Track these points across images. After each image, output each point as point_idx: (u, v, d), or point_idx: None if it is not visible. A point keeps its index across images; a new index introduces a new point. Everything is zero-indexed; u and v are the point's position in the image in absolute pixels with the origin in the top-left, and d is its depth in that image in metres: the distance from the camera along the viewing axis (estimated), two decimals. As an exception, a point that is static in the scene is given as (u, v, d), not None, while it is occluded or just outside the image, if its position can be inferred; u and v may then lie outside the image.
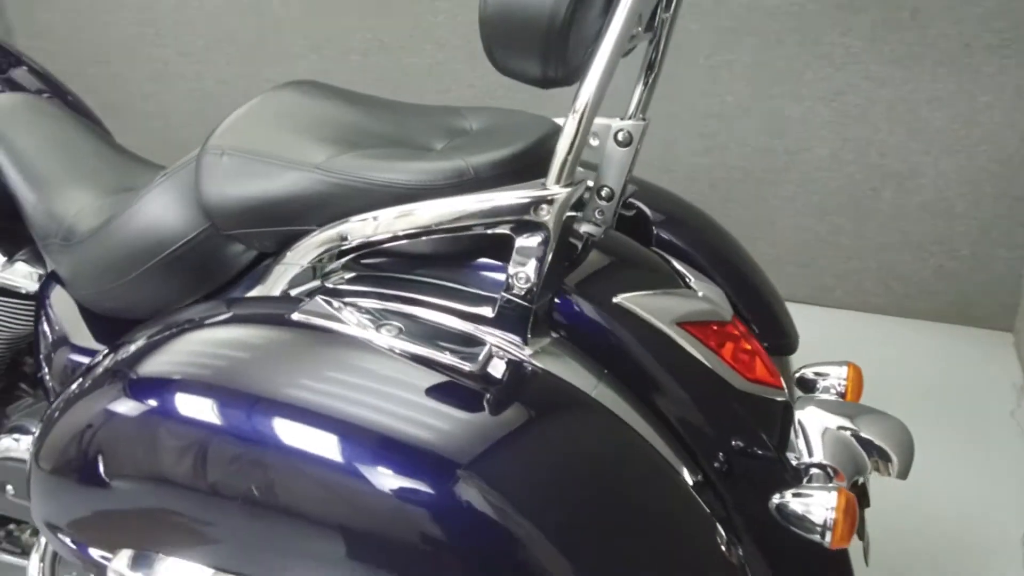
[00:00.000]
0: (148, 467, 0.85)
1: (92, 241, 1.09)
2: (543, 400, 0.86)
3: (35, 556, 0.99)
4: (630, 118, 0.99)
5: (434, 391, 0.81)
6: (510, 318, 0.89)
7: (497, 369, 0.85)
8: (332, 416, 0.79)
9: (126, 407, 0.86)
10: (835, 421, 0.96)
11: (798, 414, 0.98)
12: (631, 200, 1.16)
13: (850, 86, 2.28)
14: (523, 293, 0.88)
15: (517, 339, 0.89)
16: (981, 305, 2.39)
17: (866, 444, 0.96)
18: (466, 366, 0.83)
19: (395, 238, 0.91)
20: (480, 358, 0.84)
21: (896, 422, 0.98)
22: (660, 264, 1.05)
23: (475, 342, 0.87)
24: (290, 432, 0.79)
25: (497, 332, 0.89)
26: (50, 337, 1.16)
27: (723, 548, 0.87)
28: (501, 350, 0.87)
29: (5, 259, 1.26)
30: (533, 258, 0.87)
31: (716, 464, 0.92)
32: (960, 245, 2.35)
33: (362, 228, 0.92)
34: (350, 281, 0.98)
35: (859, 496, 1.01)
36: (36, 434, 0.93)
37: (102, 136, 1.33)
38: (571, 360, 0.92)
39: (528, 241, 0.88)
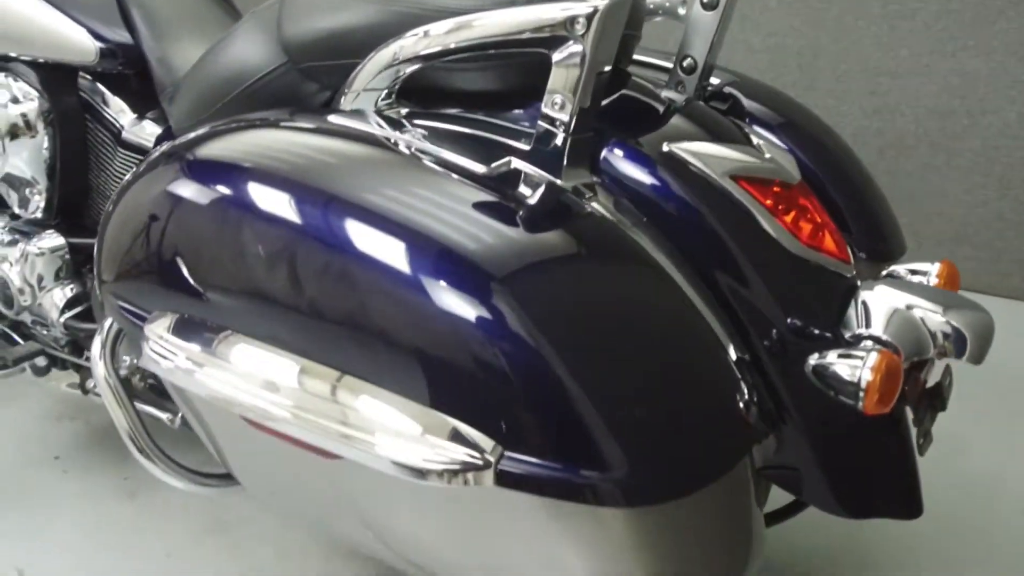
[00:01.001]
0: (197, 237, 0.89)
1: (187, 78, 1.16)
2: (574, 223, 0.82)
3: (97, 339, 1.07)
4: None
5: (467, 200, 0.80)
6: (545, 150, 0.85)
7: (531, 189, 0.82)
8: (368, 209, 0.80)
9: (184, 183, 0.92)
10: (905, 300, 0.85)
11: (864, 294, 0.87)
12: (729, 90, 1.09)
13: (1050, 41, 2.03)
14: (557, 120, 0.84)
15: (551, 176, 0.85)
16: None
17: (939, 328, 0.84)
18: (505, 187, 0.81)
19: (444, 52, 0.90)
20: (517, 180, 0.82)
21: (979, 309, 0.85)
22: (730, 127, 0.97)
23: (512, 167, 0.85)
24: (327, 222, 0.81)
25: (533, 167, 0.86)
26: None
27: (741, 406, 0.79)
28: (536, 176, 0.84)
29: (135, 116, 1.37)
30: (569, 79, 0.83)
31: (757, 328, 0.84)
32: None
33: (413, 44, 0.91)
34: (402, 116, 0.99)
35: (925, 391, 0.90)
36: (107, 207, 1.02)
37: None
38: (606, 200, 0.87)
39: (565, 59, 0.83)
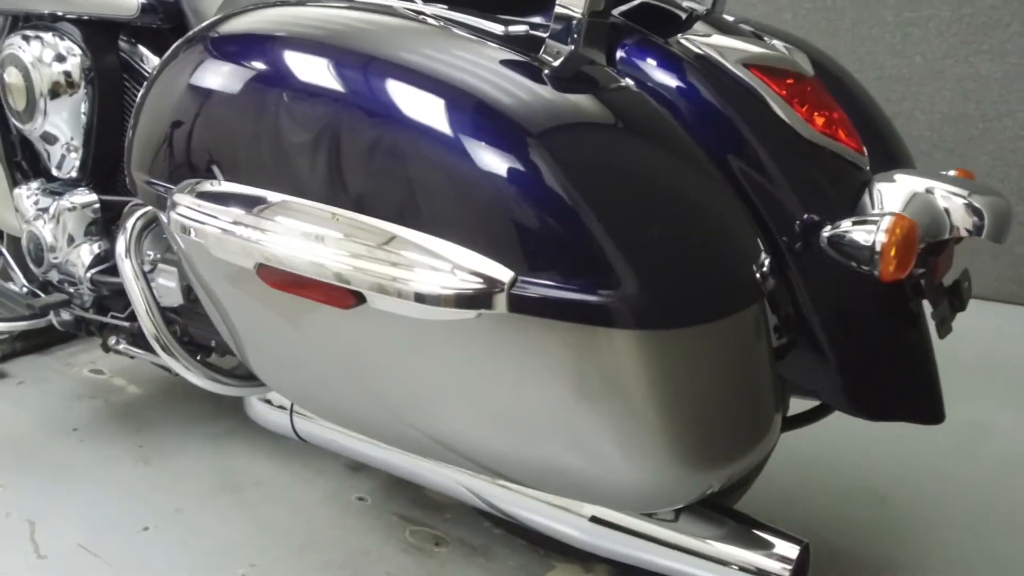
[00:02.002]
0: (230, 105, 0.91)
1: None
2: (592, 79, 0.84)
3: (122, 237, 1.09)
4: None
5: (492, 57, 0.83)
6: (562, 29, 0.87)
7: (552, 57, 0.84)
8: (396, 63, 0.83)
9: (215, 58, 0.95)
10: (924, 184, 0.85)
11: (880, 184, 0.88)
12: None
13: (1063, 43, 2.06)
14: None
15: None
16: None
17: (959, 210, 0.84)
18: (528, 51, 0.84)
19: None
20: (539, 47, 0.85)
21: (997, 194, 0.85)
22: (746, 30, 0.99)
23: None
24: (358, 77, 0.84)
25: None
26: None
27: (759, 257, 0.80)
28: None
29: None
30: None
31: (775, 218, 0.85)
32: None
33: None
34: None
35: (943, 288, 0.90)
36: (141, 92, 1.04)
37: None
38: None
39: None
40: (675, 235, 0.75)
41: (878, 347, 0.89)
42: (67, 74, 1.36)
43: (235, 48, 0.93)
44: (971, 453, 1.58)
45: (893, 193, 0.85)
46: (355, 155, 0.81)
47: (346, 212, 0.81)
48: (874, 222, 0.77)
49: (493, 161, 0.74)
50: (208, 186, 0.92)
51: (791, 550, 0.91)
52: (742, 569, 0.91)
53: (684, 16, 0.97)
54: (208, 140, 0.92)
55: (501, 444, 0.85)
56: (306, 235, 0.82)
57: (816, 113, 0.89)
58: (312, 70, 0.86)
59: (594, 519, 0.95)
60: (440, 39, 0.85)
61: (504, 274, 0.73)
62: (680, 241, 0.75)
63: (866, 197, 0.86)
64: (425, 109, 0.78)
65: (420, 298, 0.75)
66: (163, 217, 0.96)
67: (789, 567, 0.89)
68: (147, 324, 1.11)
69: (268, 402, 1.21)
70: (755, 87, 0.87)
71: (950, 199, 0.83)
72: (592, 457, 0.81)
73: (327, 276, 0.81)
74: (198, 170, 0.93)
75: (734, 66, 0.88)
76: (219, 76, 0.92)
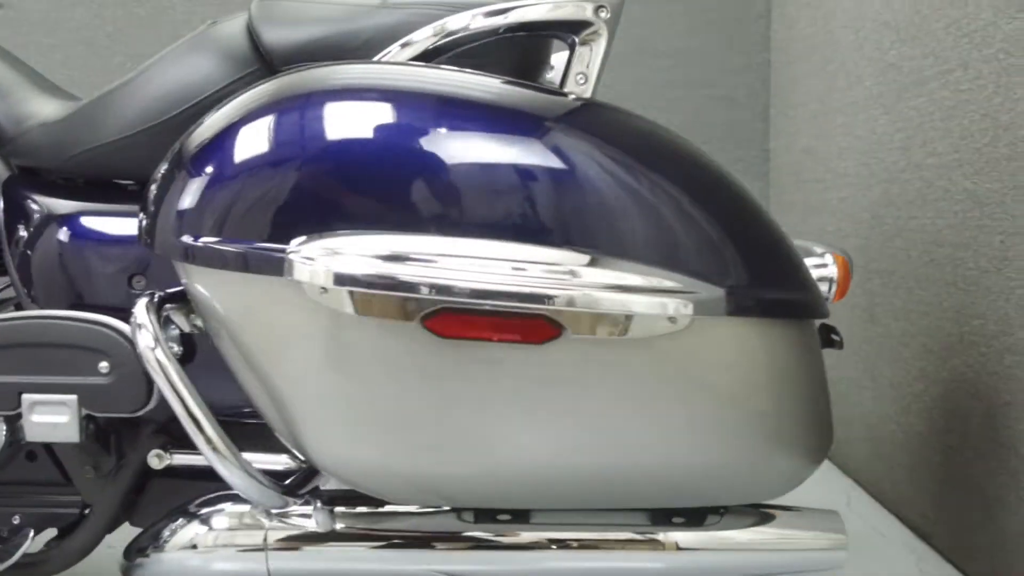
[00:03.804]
0: (356, 155, 0.86)
1: (103, 101, 1.08)
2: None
3: (141, 303, 0.92)
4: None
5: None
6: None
7: None
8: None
9: (325, 109, 0.88)
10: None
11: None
12: None
13: None
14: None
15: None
16: None
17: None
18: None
19: (475, 36, 0.98)
20: None
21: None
22: None
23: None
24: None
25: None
26: (25, 234, 1.09)
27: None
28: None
29: None
30: (594, 58, 0.98)
31: None
32: None
33: (438, 33, 0.98)
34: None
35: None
36: (174, 150, 0.94)
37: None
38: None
39: (588, 41, 0.98)
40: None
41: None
42: None
43: (364, 96, 0.89)
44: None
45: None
46: (532, 190, 0.84)
47: (529, 246, 0.82)
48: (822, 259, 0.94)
49: (675, 186, 0.86)
50: (339, 240, 0.83)
51: (834, 519, 0.99)
52: (802, 550, 0.98)
53: None
54: (337, 190, 0.84)
55: (667, 458, 0.89)
56: (491, 273, 0.81)
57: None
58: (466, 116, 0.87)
59: (678, 547, 0.97)
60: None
61: (710, 288, 0.83)
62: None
63: None
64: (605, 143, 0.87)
65: (637, 320, 0.82)
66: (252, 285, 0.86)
67: (843, 535, 0.98)
68: (200, 424, 0.91)
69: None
70: None
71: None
72: (751, 451, 0.89)
73: (524, 309, 0.81)
74: (324, 223, 0.84)
75: None
76: (344, 126, 0.87)
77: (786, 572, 0.97)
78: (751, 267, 0.85)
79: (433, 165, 0.83)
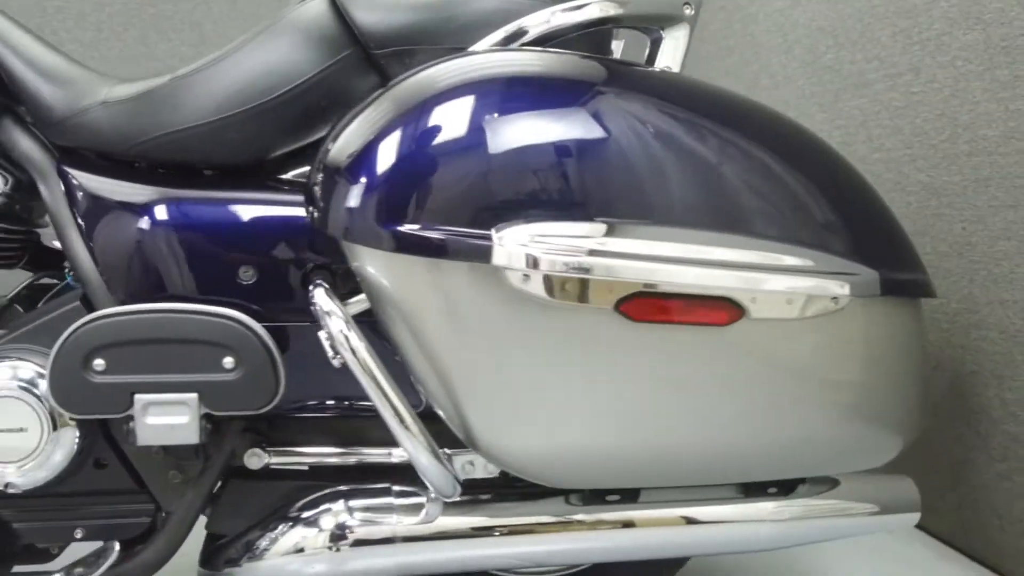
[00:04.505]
0: (559, 143, 0.87)
1: (189, 80, 1.02)
2: None
3: (319, 289, 0.91)
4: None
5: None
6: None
7: None
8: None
9: (522, 98, 0.89)
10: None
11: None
12: None
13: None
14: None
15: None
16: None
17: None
18: None
19: (571, 28, 0.99)
20: None
21: None
22: None
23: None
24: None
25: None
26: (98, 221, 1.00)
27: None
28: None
29: None
30: (677, 50, 1.04)
31: None
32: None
33: (543, 22, 0.99)
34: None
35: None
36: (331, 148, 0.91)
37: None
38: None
39: (673, 35, 1.04)
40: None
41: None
42: None
43: (560, 86, 0.90)
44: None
45: None
46: (721, 180, 0.90)
47: (713, 232, 0.87)
48: None
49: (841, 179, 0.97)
50: (541, 227, 0.84)
51: (907, 484, 1.08)
52: (880, 513, 1.06)
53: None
54: (538, 179, 0.85)
55: (810, 430, 0.95)
56: (683, 259, 0.85)
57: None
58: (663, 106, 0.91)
59: (775, 517, 1.02)
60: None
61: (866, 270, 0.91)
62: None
63: None
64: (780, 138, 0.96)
65: (802, 297, 0.89)
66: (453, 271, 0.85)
67: (916, 498, 1.07)
68: (397, 408, 0.90)
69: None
70: None
71: None
72: (881, 420, 0.97)
73: (712, 292, 0.86)
74: (525, 211, 0.85)
75: None
76: (546, 114, 0.87)
77: (864, 533, 1.05)
78: (893, 250, 0.94)
79: (629, 156, 0.86)
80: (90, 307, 0.97)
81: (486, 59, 0.91)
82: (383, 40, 1.00)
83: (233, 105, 0.98)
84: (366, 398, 0.98)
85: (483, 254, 0.83)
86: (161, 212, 0.97)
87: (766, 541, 1.01)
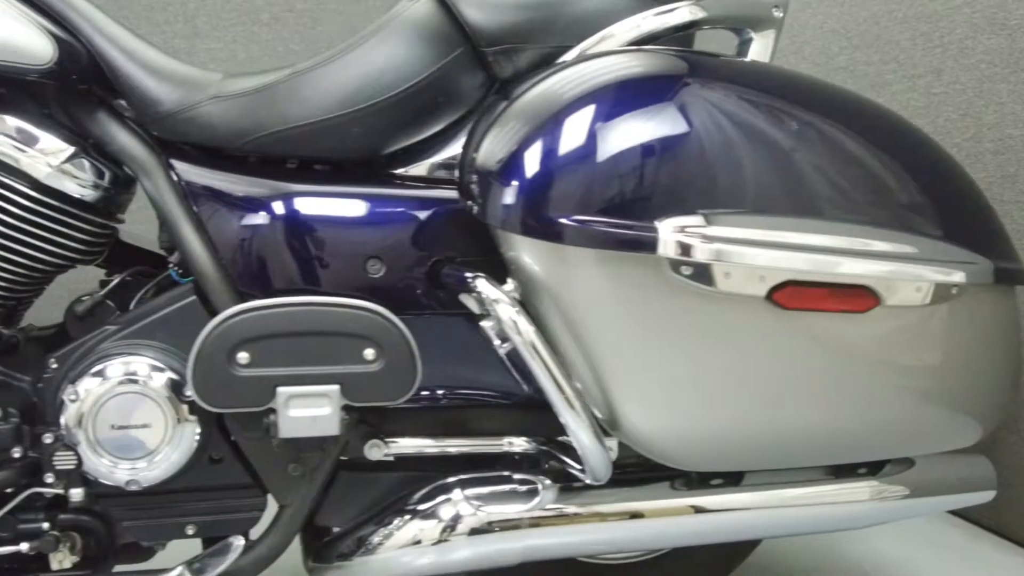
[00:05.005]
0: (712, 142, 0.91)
1: (310, 75, 1.02)
2: None
3: (500, 290, 0.93)
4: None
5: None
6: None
7: None
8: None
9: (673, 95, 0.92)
10: None
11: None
12: None
13: None
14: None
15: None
16: None
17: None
18: None
19: (664, 31, 1.03)
20: None
21: None
22: None
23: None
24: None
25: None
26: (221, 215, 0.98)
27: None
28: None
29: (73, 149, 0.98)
30: (765, 51, 1.08)
31: None
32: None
33: (649, 23, 1.02)
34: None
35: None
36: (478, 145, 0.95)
37: None
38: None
39: (763, 36, 1.08)
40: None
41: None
42: None
43: (721, 87, 0.95)
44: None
45: None
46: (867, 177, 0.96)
47: (855, 225, 0.93)
48: None
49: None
50: (703, 219, 0.88)
51: (982, 463, 1.14)
52: (959, 491, 1.12)
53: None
54: (702, 173, 0.89)
55: (921, 412, 1.00)
56: (830, 249, 0.91)
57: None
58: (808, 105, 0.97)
59: (868, 496, 1.08)
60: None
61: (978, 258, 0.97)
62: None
63: None
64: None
65: (931, 285, 0.95)
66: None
67: (992, 476, 1.13)
68: (566, 393, 0.92)
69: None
70: None
71: None
72: (979, 402, 1.03)
73: (857, 280, 0.92)
74: (689, 203, 0.89)
75: None
76: (709, 112, 0.91)
77: (944, 510, 1.12)
78: (1001, 240, 1.00)
79: (774, 152, 0.91)
80: (205, 301, 0.97)
81: (621, 59, 0.94)
82: (493, 38, 1.02)
83: (357, 101, 0.99)
84: (482, 388, 1.01)
85: (649, 245, 0.86)
86: (288, 206, 0.98)
87: (862, 519, 1.07)
